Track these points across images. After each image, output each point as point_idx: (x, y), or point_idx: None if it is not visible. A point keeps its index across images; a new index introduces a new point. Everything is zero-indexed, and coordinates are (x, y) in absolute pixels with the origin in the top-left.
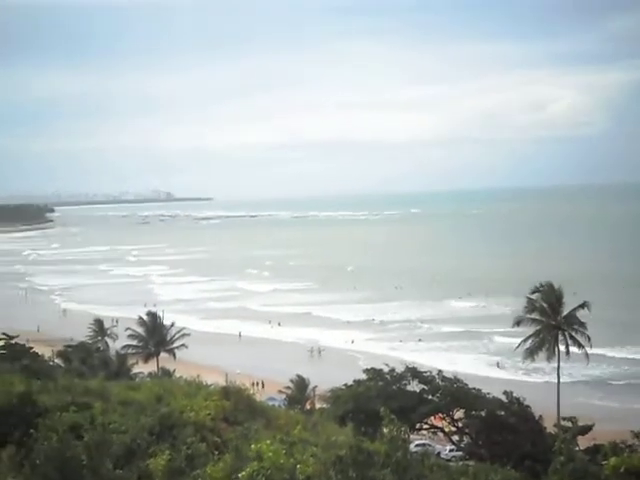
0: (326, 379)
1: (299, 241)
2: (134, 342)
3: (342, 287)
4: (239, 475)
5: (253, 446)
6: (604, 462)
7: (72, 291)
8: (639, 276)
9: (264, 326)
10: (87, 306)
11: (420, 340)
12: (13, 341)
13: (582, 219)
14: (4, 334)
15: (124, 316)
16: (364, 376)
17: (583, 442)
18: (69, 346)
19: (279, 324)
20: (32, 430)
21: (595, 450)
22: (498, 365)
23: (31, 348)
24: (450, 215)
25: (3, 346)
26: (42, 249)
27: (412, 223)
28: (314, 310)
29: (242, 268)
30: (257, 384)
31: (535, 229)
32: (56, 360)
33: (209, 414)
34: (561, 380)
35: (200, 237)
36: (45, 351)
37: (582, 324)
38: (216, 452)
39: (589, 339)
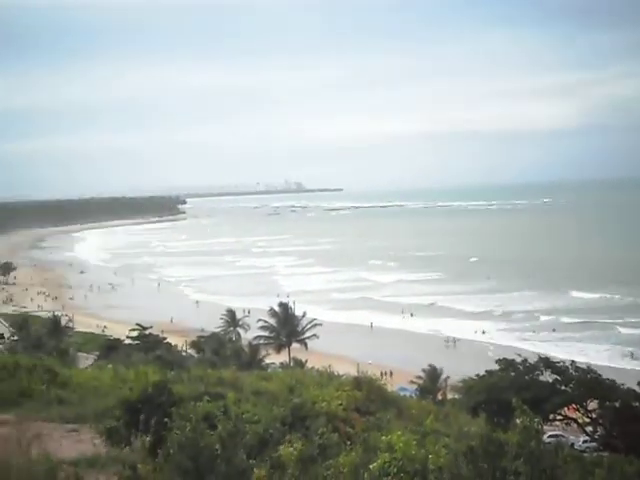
0: (458, 370)
1: (425, 231)
2: (266, 333)
3: (465, 278)
4: (370, 466)
5: (384, 437)
6: None
7: (199, 282)
8: None
9: (394, 317)
10: (217, 297)
11: (554, 330)
12: (147, 332)
13: None
14: (138, 325)
15: (254, 307)
16: (496, 366)
17: None
18: (202, 337)
19: (411, 315)
20: (166, 419)
21: None
22: (632, 356)
23: (165, 339)
24: (579, 205)
25: (137, 336)
26: (170, 241)
27: (541, 213)
28: (439, 301)
29: (367, 259)
30: (386, 374)
31: None
32: (189, 350)
33: (341, 404)
34: None
35: (328, 228)
36: (178, 341)
37: None
38: (348, 442)
39: None
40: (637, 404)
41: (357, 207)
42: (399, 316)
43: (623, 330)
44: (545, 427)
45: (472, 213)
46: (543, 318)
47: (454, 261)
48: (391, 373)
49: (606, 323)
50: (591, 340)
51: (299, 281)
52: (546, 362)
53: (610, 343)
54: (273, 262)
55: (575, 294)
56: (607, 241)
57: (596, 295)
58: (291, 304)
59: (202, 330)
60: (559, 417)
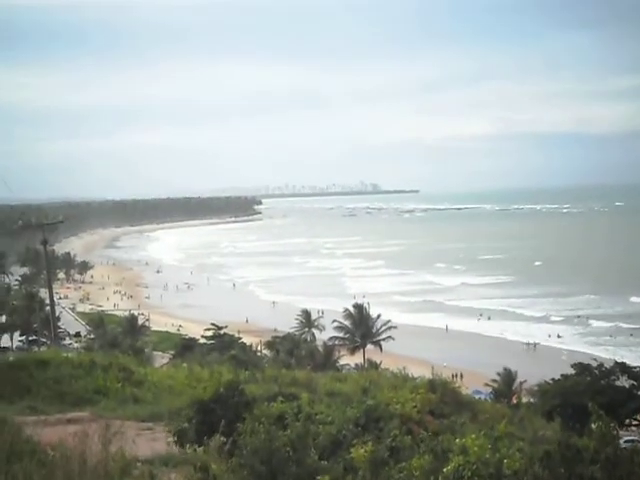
0: (534, 373)
1: (494, 234)
2: (340, 334)
3: (529, 282)
4: (444, 469)
5: (458, 440)
6: None
7: (269, 283)
8: None
9: (465, 320)
10: (290, 297)
11: (631, 335)
12: (222, 331)
13: None
14: (213, 324)
15: (326, 308)
16: (571, 371)
17: None
18: (276, 337)
19: (489, 318)
20: (239, 420)
21: None
22: None
23: (240, 338)
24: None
25: (212, 336)
26: (240, 241)
27: (612, 216)
28: (505, 304)
29: (433, 261)
30: (456, 376)
31: None
32: (264, 351)
33: (415, 407)
34: None
35: (400, 229)
36: (254, 341)
37: None
38: (422, 445)
39: None
40: None
41: (432, 209)
42: (469, 319)
43: None
44: (621, 432)
45: (544, 216)
46: (620, 324)
47: (519, 263)
48: (461, 375)
49: None
50: None
51: (366, 283)
52: (622, 367)
53: None
54: (341, 264)
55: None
56: None
57: None
58: (366, 305)
59: (275, 330)
60: (635, 422)
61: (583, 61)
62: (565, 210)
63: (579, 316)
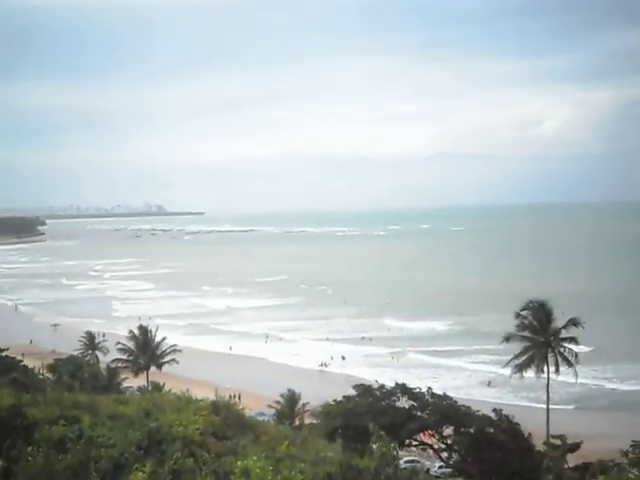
0: (319, 394)
1: (272, 256)
2: (124, 356)
3: (294, 304)
4: None
5: (240, 462)
6: None
7: (45, 305)
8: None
9: (245, 342)
10: (73, 319)
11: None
12: (3, 354)
13: (577, 236)
14: None
15: (108, 331)
16: (353, 392)
17: (572, 460)
18: (59, 359)
19: (280, 338)
20: (20, 444)
21: (584, 468)
22: (489, 384)
23: (21, 361)
24: (441, 231)
25: None
26: (13, 263)
27: (388, 239)
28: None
29: (202, 283)
30: (234, 396)
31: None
32: (46, 373)
33: (198, 429)
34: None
35: (179, 251)
36: (36, 364)
37: (573, 340)
38: (204, 467)
39: (576, 356)
40: (491, 430)
41: (216, 231)
42: (246, 341)
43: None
44: (401, 452)
45: (332, 239)
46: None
47: (291, 287)
48: (239, 396)
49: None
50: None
51: (134, 306)
52: (402, 388)
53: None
54: (112, 285)
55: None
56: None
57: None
58: (152, 328)
59: (52, 351)
60: (415, 442)
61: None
62: (350, 233)
63: (363, 337)
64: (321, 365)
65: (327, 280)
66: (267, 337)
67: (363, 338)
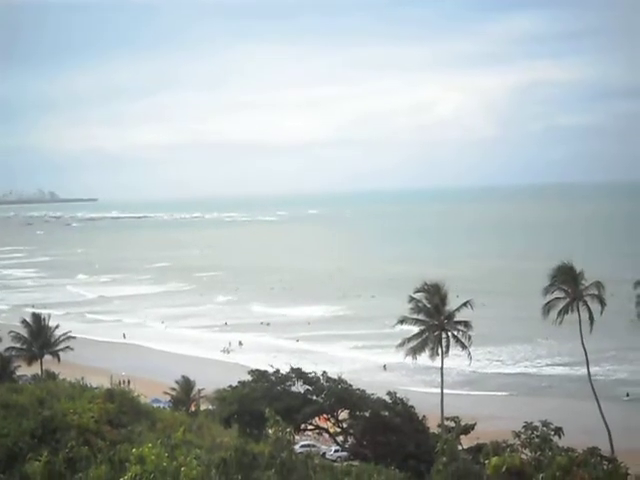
0: (214, 380)
1: (161, 244)
2: (18, 344)
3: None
4: (121, 479)
5: (135, 449)
6: (486, 461)
7: None
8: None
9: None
10: None
11: (298, 340)
12: None
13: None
14: None
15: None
16: (249, 377)
17: (467, 441)
18: None
19: (166, 325)
20: None
21: (477, 449)
22: (385, 368)
23: None
24: (336, 217)
25: None
26: None
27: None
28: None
29: (77, 272)
30: (125, 382)
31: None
32: None
33: (93, 417)
34: (445, 379)
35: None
36: None
37: (466, 324)
38: (99, 455)
39: (469, 338)
40: (386, 414)
41: (111, 217)
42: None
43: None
44: (297, 437)
45: (226, 224)
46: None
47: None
48: (128, 381)
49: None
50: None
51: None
52: (298, 373)
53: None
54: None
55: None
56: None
57: None
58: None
59: None
60: (311, 427)
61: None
62: (241, 218)
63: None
64: (223, 351)
65: (216, 266)
66: (163, 322)
67: (262, 323)
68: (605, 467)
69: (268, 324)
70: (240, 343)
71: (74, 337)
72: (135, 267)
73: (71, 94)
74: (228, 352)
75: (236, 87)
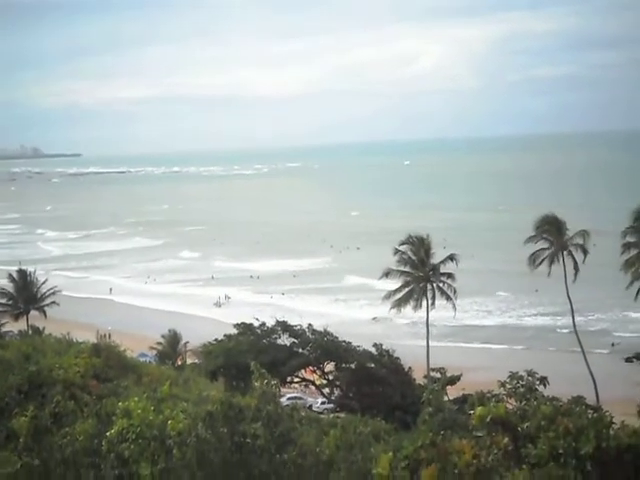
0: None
1: (152, 197)
2: (3, 300)
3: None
4: (107, 433)
5: (121, 403)
6: (471, 412)
7: None
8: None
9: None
10: None
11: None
12: None
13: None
14: None
15: None
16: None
17: (453, 392)
18: None
19: (154, 279)
20: None
21: (463, 400)
22: (375, 319)
23: None
24: (314, 170)
25: None
26: None
27: (269, 178)
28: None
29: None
30: (104, 336)
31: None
32: None
33: (79, 371)
34: (431, 331)
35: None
36: None
37: (450, 276)
38: (85, 409)
39: (455, 290)
40: (372, 365)
41: (95, 173)
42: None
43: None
44: (284, 389)
45: (198, 179)
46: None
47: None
48: (109, 335)
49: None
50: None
51: None
52: (284, 325)
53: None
54: None
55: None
56: None
57: None
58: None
59: None
60: (297, 379)
61: (246, 27)
62: (222, 173)
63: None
64: (215, 305)
65: (200, 220)
66: (148, 277)
67: (251, 277)
68: (590, 416)
69: (258, 277)
70: (227, 297)
71: (60, 292)
72: (117, 221)
73: (49, 49)
74: (220, 306)
75: (210, 41)
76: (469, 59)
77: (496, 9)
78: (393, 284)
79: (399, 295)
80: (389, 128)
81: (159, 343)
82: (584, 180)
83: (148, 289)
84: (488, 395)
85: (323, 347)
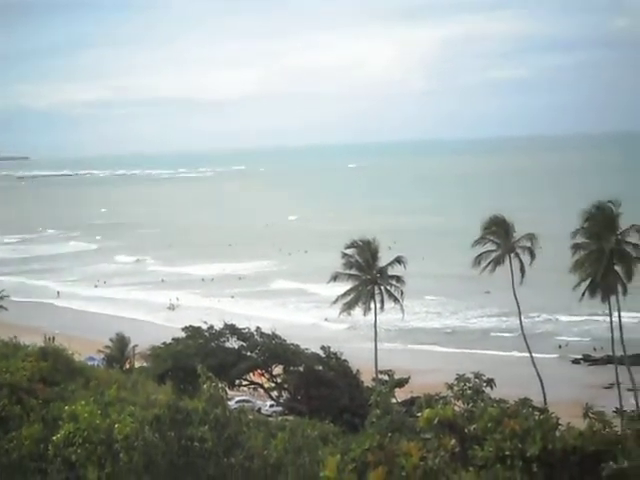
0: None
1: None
2: None
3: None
4: (54, 437)
5: (67, 407)
6: (419, 414)
7: None
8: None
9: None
10: None
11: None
12: None
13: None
14: None
15: None
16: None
17: (401, 395)
18: None
19: (105, 282)
20: None
21: (411, 402)
22: (326, 320)
23: None
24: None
25: None
26: None
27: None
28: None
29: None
30: (52, 339)
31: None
32: None
33: (25, 375)
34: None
35: None
36: None
37: (398, 279)
38: (32, 413)
39: (402, 293)
40: (320, 368)
41: (43, 176)
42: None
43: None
44: (233, 393)
45: (154, 182)
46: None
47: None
48: (53, 338)
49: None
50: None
51: None
52: (232, 329)
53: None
54: None
55: None
56: None
57: None
58: None
59: None
60: (246, 382)
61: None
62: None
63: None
64: (169, 308)
65: (152, 223)
66: (98, 281)
67: (203, 280)
68: (536, 418)
69: (212, 279)
70: (177, 299)
71: (7, 296)
72: (68, 225)
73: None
74: (173, 308)
75: (164, 43)
76: (420, 62)
77: (449, 12)
78: (341, 287)
79: (348, 298)
80: (339, 131)
81: (107, 347)
82: (535, 182)
83: (96, 293)
84: (436, 397)
85: (271, 350)
